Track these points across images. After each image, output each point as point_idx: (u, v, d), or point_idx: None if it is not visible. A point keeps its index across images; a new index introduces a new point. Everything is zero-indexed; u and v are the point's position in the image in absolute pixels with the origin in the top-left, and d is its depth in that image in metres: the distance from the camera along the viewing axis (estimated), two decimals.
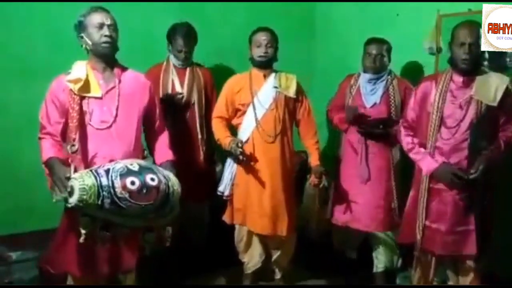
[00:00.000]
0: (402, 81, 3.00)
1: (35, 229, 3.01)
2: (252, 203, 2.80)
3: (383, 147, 2.96)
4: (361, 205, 2.97)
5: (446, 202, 2.43)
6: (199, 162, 3.16)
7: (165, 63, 3.15)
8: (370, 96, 2.97)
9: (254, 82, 2.81)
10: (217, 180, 3.18)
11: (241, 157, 2.68)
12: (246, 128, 2.82)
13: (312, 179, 2.82)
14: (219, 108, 2.88)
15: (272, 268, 3.04)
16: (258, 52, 2.77)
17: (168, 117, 3.03)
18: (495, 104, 2.31)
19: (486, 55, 2.65)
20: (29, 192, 3.05)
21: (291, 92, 2.82)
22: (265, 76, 2.83)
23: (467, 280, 2.51)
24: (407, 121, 2.60)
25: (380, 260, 3.07)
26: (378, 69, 2.94)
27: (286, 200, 2.82)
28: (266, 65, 2.82)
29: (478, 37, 2.29)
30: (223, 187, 2.88)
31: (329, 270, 3.25)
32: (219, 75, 3.37)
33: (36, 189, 2.96)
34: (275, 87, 2.80)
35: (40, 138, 2.19)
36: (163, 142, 2.36)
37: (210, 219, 3.31)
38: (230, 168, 2.86)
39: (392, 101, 2.93)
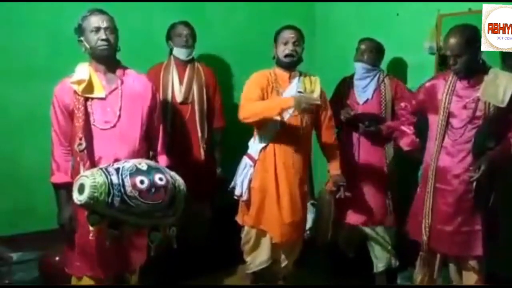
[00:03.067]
0: (393, 79, 3.06)
1: (35, 230, 3.01)
2: (271, 210, 2.71)
3: (375, 144, 3.01)
4: (352, 200, 2.94)
5: (451, 202, 2.43)
6: (199, 160, 3.16)
7: (166, 61, 3.17)
8: (362, 93, 3.03)
9: (280, 83, 2.67)
10: (217, 180, 3.19)
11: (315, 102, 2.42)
12: (268, 132, 2.68)
13: (329, 185, 2.77)
14: (253, 95, 2.60)
15: (276, 270, 3.01)
16: (285, 50, 2.62)
17: (168, 115, 3.05)
18: (503, 105, 2.28)
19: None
20: (29, 193, 3.04)
21: (316, 96, 2.67)
22: (289, 78, 2.70)
23: (471, 279, 2.50)
24: (406, 105, 2.72)
25: (380, 259, 3.08)
26: (364, 62, 2.99)
27: (303, 207, 2.78)
28: (292, 65, 2.68)
29: (462, 47, 2.26)
30: (240, 191, 2.76)
31: (329, 270, 3.26)
32: (218, 75, 3.38)
33: (36, 190, 2.97)
34: (300, 91, 2.66)
35: (53, 150, 2.21)
36: (160, 145, 2.38)
37: (212, 218, 3.31)
38: (247, 172, 2.75)
39: (383, 97, 2.99)
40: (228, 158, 3.12)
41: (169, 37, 3.16)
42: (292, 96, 2.49)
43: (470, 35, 2.27)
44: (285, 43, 2.63)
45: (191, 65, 3.17)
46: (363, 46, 3.01)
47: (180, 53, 3.12)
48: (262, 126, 2.69)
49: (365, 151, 3.02)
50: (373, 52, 3.00)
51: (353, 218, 3.04)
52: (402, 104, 2.78)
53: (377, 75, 3.03)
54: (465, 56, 2.29)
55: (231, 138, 3.03)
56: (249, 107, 2.58)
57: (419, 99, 2.62)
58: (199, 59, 3.34)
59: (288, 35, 2.63)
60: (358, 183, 3.00)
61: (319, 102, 2.49)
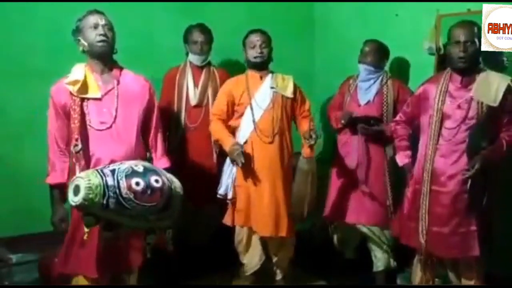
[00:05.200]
0: (396, 81, 3.06)
1: (35, 231, 3.00)
2: (254, 204, 2.80)
3: (376, 146, 3.01)
4: (356, 200, 3.01)
5: (446, 204, 2.42)
6: (212, 164, 3.18)
7: (182, 64, 3.21)
8: (364, 94, 3.04)
9: (251, 84, 2.83)
10: None
11: (240, 162, 2.64)
12: (245, 129, 2.82)
13: (304, 150, 2.74)
14: (219, 108, 2.86)
15: (273, 270, 3.04)
16: (253, 53, 2.79)
17: (182, 118, 3.10)
18: (495, 104, 2.29)
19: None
20: (29, 194, 3.04)
21: (289, 92, 2.84)
22: (261, 78, 2.85)
23: (468, 279, 2.51)
24: (400, 117, 2.72)
25: (379, 259, 3.08)
26: (369, 63, 2.99)
27: (286, 200, 2.81)
28: (262, 66, 2.84)
29: (473, 36, 2.30)
30: (224, 190, 2.87)
31: (329, 270, 3.26)
32: None
33: (36, 191, 2.94)
34: (272, 87, 2.81)
35: (49, 151, 2.22)
36: (159, 147, 2.39)
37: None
38: (230, 170, 2.86)
39: (385, 99, 3.00)
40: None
41: (185, 39, 3.20)
42: (230, 145, 2.69)
43: (478, 29, 2.30)
44: (253, 47, 2.80)
45: (207, 69, 3.22)
46: (366, 48, 3.01)
47: (194, 59, 3.17)
48: (238, 127, 2.84)
49: (366, 153, 3.01)
50: (377, 53, 3.00)
51: (353, 217, 3.04)
52: (397, 118, 2.76)
53: (380, 77, 3.03)
54: (474, 45, 2.31)
55: None
56: (213, 127, 2.85)
57: (413, 105, 2.62)
58: None
59: (255, 38, 2.80)
60: (360, 184, 3.01)
61: (242, 161, 2.62)
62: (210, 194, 2.95)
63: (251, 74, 2.86)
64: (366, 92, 3.03)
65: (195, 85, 3.16)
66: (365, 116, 2.98)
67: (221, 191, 2.89)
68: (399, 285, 3.10)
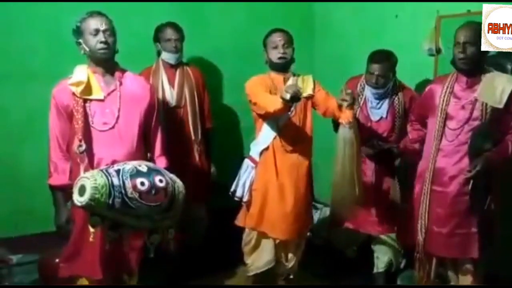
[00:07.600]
0: (408, 91, 2.98)
1: (35, 232, 3.01)
2: (272, 209, 2.73)
3: (386, 158, 2.93)
4: (368, 210, 2.95)
5: (447, 204, 2.42)
6: (194, 163, 3.15)
7: (154, 65, 3.12)
8: (376, 110, 2.95)
9: (276, 86, 2.67)
10: (212, 181, 3.20)
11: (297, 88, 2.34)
12: (267, 134, 2.72)
13: (343, 116, 2.47)
14: (260, 90, 2.62)
15: (280, 272, 2.99)
16: (276, 54, 2.65)
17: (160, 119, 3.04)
18: (501, 106, 2.27)
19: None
20: (29, 195, 3.05)
21: (309, 90, 2.71)
22: (284, 80, 2.70)
23: (467, 280, 2.51)
24: (411, 117, 2.73)
25: (381, 260, 3.08)
26: (380, 87, 2.88)
27: (307, 204, 2.81)
28: (285, 67, 2.71)
29: (475, 37, 2.27)
30: (241, 192, 2.79)
31: (330, 270, 3.26)
32: (217, 77, 3.38)
33: (36, 192, 2.96)
34: None
35: (51, 152, 2.21)
36: (158, 147, 2.38)
37: (211, 220, 3.31)
38: (248, 173, 2.78)
39: (397, 113, 2.92)
40: (223, 159, 3.12)
41: (156, 38, 3.12)
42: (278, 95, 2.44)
43: (481, 31, 2.27)
44: (275, 47, 2.66)
45: (180, 69, 3.14)
46: (375, 72, 2.82)
47: (170, 58, 3.09)
48: (262, 128, 2.73)
49: (377, 166, 2.95)
50: (386, 75, 2.84)
51: (367, 227, 3.01)
52: (411, 118, 2.73)
53: (391, 92, 2.91)
54: (475, 47, 2.29)
55: (230, 139, 3.02)
56: (260, 98, 2.58)
57: (420, 105, 2.62)
58: (197, 60, 3.34)
59: (277, 38, 2.66)
60: (372, 194, 2.94)
61: (299, 87, 2.40)
62: (195, 193, 2.86)
63: (274, 76, 2.71)
64: (377, 108, 2.94)
65: (171, 85, 3.09)
66: (388, 148, 2.89)
67: (237, 193, 2.80)
68: (399, 285, 3.10)
